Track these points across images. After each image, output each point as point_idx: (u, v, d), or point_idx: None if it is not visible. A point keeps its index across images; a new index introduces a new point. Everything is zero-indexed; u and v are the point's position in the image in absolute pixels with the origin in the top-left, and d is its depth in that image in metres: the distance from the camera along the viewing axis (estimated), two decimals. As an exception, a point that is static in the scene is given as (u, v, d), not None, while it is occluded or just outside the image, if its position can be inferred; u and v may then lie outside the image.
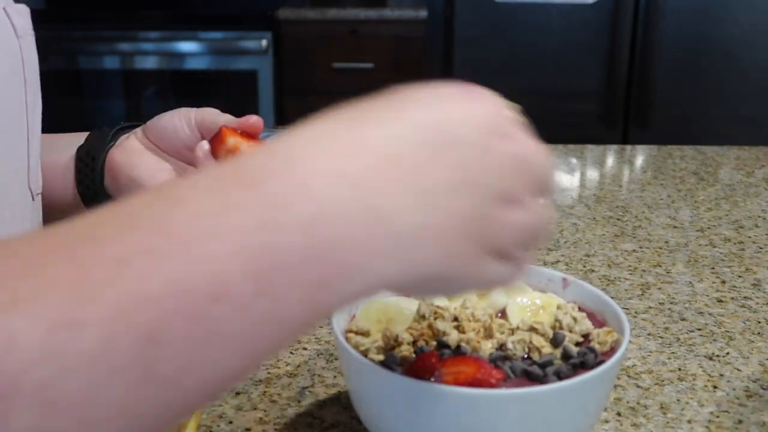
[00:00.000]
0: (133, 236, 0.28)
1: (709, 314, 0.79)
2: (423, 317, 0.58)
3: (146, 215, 0.29)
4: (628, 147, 1.45)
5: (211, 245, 0.28)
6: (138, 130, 0.68)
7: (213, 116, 0.64)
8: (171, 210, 0.29)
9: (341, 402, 0.63)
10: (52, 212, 0.66)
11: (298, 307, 0.30)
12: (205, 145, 0.60)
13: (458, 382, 0.49)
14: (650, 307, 0.80)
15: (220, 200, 0.30)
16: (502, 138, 0.37)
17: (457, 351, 0.54)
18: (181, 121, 0.65)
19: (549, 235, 0.39)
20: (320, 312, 0.31)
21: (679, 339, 0.74)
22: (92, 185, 0.66)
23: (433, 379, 0.49)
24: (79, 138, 0.69)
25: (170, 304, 0.27)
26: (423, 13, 2.60)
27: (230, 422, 0.60)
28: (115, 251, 0.28)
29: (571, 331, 0.57)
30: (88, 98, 2.77)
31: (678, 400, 0.64)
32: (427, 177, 0.33)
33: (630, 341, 0.65)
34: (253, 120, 0.61)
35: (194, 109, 0.66)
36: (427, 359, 0.51)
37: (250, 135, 0.59)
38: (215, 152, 0.57)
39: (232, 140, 0.55)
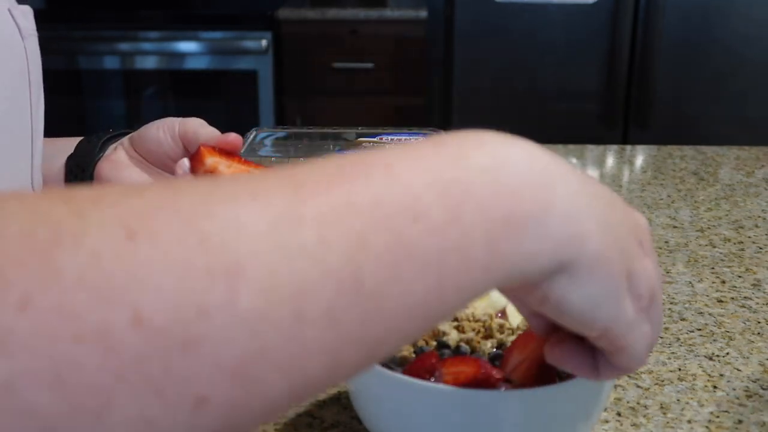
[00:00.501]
0: (340, 164, 0.31)
1: (709, 314, 0.79)
2: (423, 317, 0.58)
3: (350, 158, 0.32)
4: (628, 147, 1.45)
5: (409, 175, 0.31)
6: (126, 141, 0.68)
7: (195, 128, 0.64)
8: (366, 159, 0.32)
9: (341, 402, 0.63)
10: None
11: (483, 246, 0.31)
12: (185, 163, 0.60)
13: (458, 382, 0.49)
14: (650, 307, 0.80)
15: (411, 151, 0.33)
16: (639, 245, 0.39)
17: (457, 351, 0.54)
18: (165, 133, 0.65)
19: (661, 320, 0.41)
20: (501, 263, 0.32)
21: (679, 339, 0.74)
22: None
23: (433, 379, 0.49)
24: (70, 144, 0.69)
25: (377, 216, 0.29)
26: (423, 13, 2.60)
27: (230, 422, 0.60)
28: (325, 172, 0.30)
29: (571, 331, 0.57)
30: (88, 98, 2.77)
31: (678, 400, 0.64)
32: (584, 183, 0.36)
33: (630, 341, 0.65)
34: (231, 138, 0.60)
35: (178, 120, 0.65)
36: (426, 359, 0.51)
37: (229, 153, 0.57)
38: (194, 170, 0.56)
39: (211, 160, 0.55)
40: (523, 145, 0.35)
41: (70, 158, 0.68)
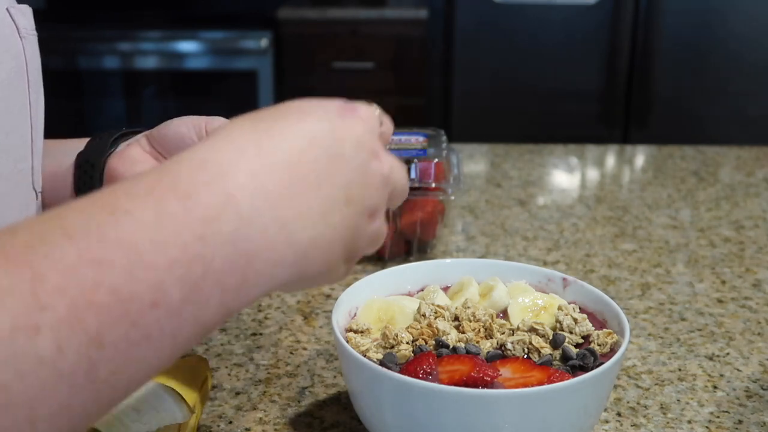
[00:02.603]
0: (79, 246, 0.31)
1: (710, 314, 0.79)
2: (423, 316, 0.58)
3: (89, 224, 0.32)
4: (628, 147, 1.45)
5: (152, 256, 0.32)
6: (142, 138, 0.66)
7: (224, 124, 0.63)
8: (114, 219, 0.32)
9: (341, 402, 0.63)
10: None
11: (215, 311, 0.34)
12: None
13: (453, 381, 0.49)
14: (650, 307, 0.80)
15: (157, 211, 0.33)
16: (375, 157, 0.43)
17: (454, 350, 0.54)
18: (189, 130, 0.63)
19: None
20: (230, 315, 0.36)
21: (679, 339, 0.74)
22: (90, 192, 0.65)
23: (430, 378, 0.49)
24: (80, 144, 0.68)
25: (115, 311, 0.30)
26: (423, 13, 2.60)
27: (230, 422, 0.60)
28: (64, 262, 0.30)
29: (571, 333, 0.57)
30: (88, 98, 2.77)
31: (678, 400, 0.64)
32: (323, 195, 0.39)
33: (630, 341, 0.65)
34: None
35: (204, 119, 0.64)
36: (424, 359, 0.51)
37: None
38: None
39: None
40: (274, 187, 0.37)
41: (80, 155, 0.66)
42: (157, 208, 0.33)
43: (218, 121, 0.63)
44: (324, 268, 0.40)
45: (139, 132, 0.67)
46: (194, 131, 0.63)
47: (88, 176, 0.65)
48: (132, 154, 0.64)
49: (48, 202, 0.63)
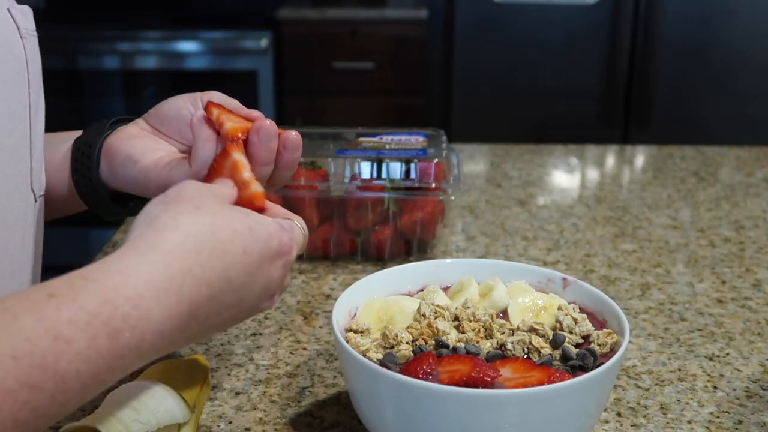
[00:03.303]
0: None
1: (710, 314, 0.79)
2: (423, 316, 0.58)
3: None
4: (628, 147, 1.45)
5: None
6: (139, 120, 0.67)
7: (220, 98, 0.64)
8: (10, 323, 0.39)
9: (341, 402, 0.63)
10: (49, 208, 0.65)
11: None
12: (199, 113, 0.61)
13: (453, 381, 0.49)
14: (650, 308, 0.80)
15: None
16: (268, 300, 0.54)
17: (454, 350, 0.54)
18: (185, 102, 0.65)
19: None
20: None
21: (679, 339, 0.74)
22: (87, 173, 0.65)
23: (430, 378, 0.49)
24: (76, 134, 0.68)
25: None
26: (423, 13, 2.60)
27: (230, 422, 0.60)
28: None
29: (571, 333, 0.57)
30: (88, 98, 2.77)
31: (678, 400, 0.64)
32: (217, 320, 0.50)
33: (630, 341, 0.65)
34: (255, 114, 0.61)
35: (199, 93, 0.66)
36: (424, 359, 0.51)
37: (231, 111, 0.61)
38: (207, 120, 0.60)
39: (216, 112, 0.60)
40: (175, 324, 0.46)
41: (78, 139, 0.67)
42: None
43: (212, 94, 0.64)
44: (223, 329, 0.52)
45: (135, 119, 0.68)
46: (191, 103, 0.64)
47: (86, 156, 0.65)
48: (129, 131, 0.65)
49: (47, 188, 0.63)
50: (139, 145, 0.63)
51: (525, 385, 0.49)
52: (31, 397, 0.38)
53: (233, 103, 0.63)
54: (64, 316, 0.39)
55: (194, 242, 0.46)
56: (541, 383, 0.49)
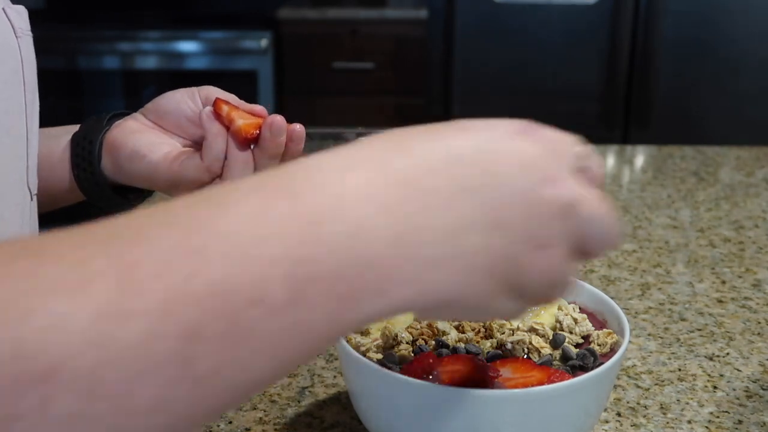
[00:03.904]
0: (179, 235, 0.29)
1: (709, 314, 0.79)
2: (423, 317, 0.58)
3: (192, 216, 0.30)
4: (628, 147, 1.45)
5: (254, 251, 0.29)
6: (136, 114, 0.68)
7: (217, 92, 0.66)
8: (216, 212, 0.30)
9: (341, 402, 0.63)
10: (48, 203, 0.66)
11: (324, 320, 0.31)
12: (208, 109, 0.62)
13: (453, 381, 0.49)
14: (650, 308, 0.80)
15: (263, 208, 0.31)
16: (551, 183, 0.36)
17: (454, 350, 0.54)
18: (183, 96, 0.66)
19: (569, 288, 0.39)
20: (341, 329, 0.32)
21: (679, 339, 0.74)
22: (89, 167, 0.65)
23: (430, 378, 0.49)
24: (73, 129, 0.69)
25: (213, 304, 0.28)
26: (423, 13, 2.60)
27: (230, 422, 0.60)
28: (162, 249, 0.28)
29: (571, 333, 0.57)
30: (88, 98, 2.77)
31: (678, 400, 0.64)
32: (454, 215, 0.34)
33: (630, 341, 0.65)
34: (258, 109, 0.64)
35: (195, 88, 0.67)
36: (424, 359, 0.51)
37: (237, 106, 0.64)
38: (216, 116, 0.62)
39: (226, 108, 0.61)
40: (393, 192, 0.33)
41: (76, 134, 0.67)
42: (263, 204, 0.31)
43: (209, 89, 0.65)
44: (460, 296, 0.35)
45: (131, 114, 0.69)
46: (188, 97, 0.66)
47: (87, 152, 0.65)
48: (130, 125, 0.66)
49: (44, 184, 0.64)
50: (143, 139, 0.64)
51: (525, 385, 0.49)
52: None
53: (232, 98, 0.64)
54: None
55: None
56: (541, 383, 0.49)
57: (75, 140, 0.66)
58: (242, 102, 0.64)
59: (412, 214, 0.33)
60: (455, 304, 0.35)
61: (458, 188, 0.34)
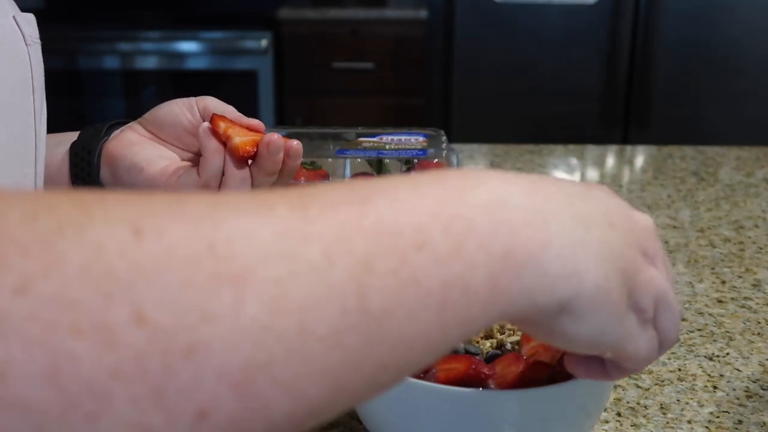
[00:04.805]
0: (347, 188, 0.32)
1: (709, 314, 0.79)
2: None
3: (356, 184, 0.33)
4: (628, 147, 1.45)
5: (413, 205, 0.31)
6: (134, 124, 0.68)
7: (215, 104, 0.66)
8: (372, 186, 0.32)
9: (341, 402, 0.63)
10: None
11: (482, 280, 0.32)
12: (205, 125, 0.62)
13: (449, 379, 0.49)
14: (650, 307, 0.80)
15: (414, 182, 0.33)
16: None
17: (454, 350, 0.54)
18: (181, 108, 0.66)
19: (678, 319, 0.42)
20: (503, 302, 0.33)
21: (679, 339, 0.74)
22: (88, 178, 0.66)
23: (427, 376, 0.49)
24: (70, 137, 0.69)
25: (383, 240, 0.29)
26: (423, 13, 2.60)
27: (230, 422, 0.60)
28: (331, 196, 0.30)
29: (571, 332, 0.57)
30: (88, 98, 2.77)
31: (678, 400, 0.64)
32: (575, 212, 0.36)
33: (630, 341, 0.65)
34: (254, 123, 0.63)
35: (193, 98, 0.67)
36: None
37: (235, 122, 0.63)
38: (212, 133, 0.62)
39: (223, 125, 0.61)
40: (522, 183, 0.36)
41: (74, 144, 0.67)
42: (412, 184, 0.33)
43: (208, 98, 0.65)
44: (604, 285, 0.36)
45: (128, 123, 0.69)
46: (186, 109, 0.66)
47: (86, 162, 0.66)
48: (128, 137, 0.66)
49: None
50: (142, 152, 0.64)
51: (505, 380, 0.49)
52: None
53: (230, 110, 0.65)
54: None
55: None
56: (521, 378, 0.49)
57: (74, 150, 0.67)
58: (240, 116, 0.64)
59: (542, 200, 0.35)
60: (595, 300, 0.36)
61: (569, 197, 0.37)
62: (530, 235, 0.33)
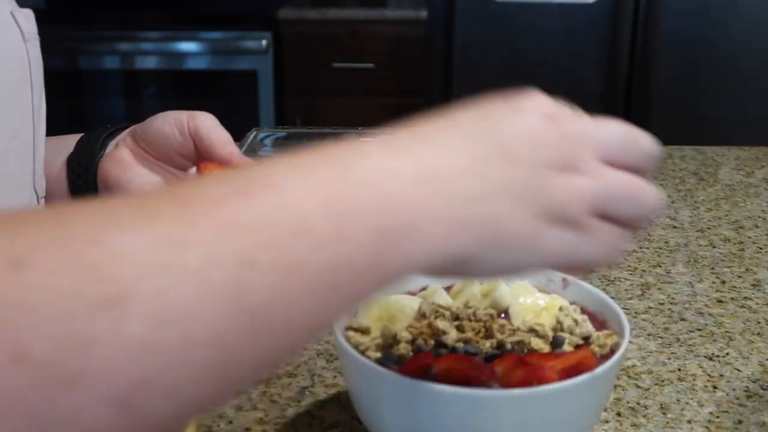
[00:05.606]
0: (228, 181, 0.32)
1: (709, 314, 0.79)
2: (423, 316, 0.58)
3: (239, 174, 0.33)
4: (628, 147, 1.45)
5: (296, 189, 0.32)
6: (127, 138, 0.67)
7: (208, 128, 0.63)
8: (259, 169, 0.33)
9: (341, 402, 0.63)
10: None
11: (367, 257, 0.32)
12: (193, 171, 0.64)
13: (449, 379, 0.49)
14: (650, 308, 0.80)
15: (298, 164, 0.33)
16: (549, 119, 0.39)
17: (453, 350, 0.54)
18: (172, 127, 0.64)
19: (643, 199, 0.41)
20: (385, 272, 0.33)
21: (679, 339, 0.74)
22: (86, 189, 0.67)
23: (426, 377, 0.49)
24: (67, 143, 0.69)
25: (263, 233, 0.30)
26: (423, 13, 2.60)
27: (230, 422, 0.60)
28: (212, 192, 0.31)
29: (571, 334, 0.57)
30: (88, 98, 2.77)
31: (678, 400, 0.64)
32: (467, 154, 0.36)
33: (630, 341, 0.65)
34: (236, 159, 0.62)
35: (186, 114, 0.65)
36: (422, 358, 0.51)
37: (226, 165, 0.63)
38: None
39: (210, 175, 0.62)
40: (413, 145, 0.36)
41: (71, 157, 0.67)
42: (298, 163, 0.33)
43: (202, 117, 0.64)
44: (498, 229, 0.36)
45: (125, 128, 0.69)
46: (176, 129, 0.65)
47: (83, 180, 0.67)
48: (121, 156, 0.66)
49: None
50: (135, 179, 0.65)
51: (509, 382, 0.49)
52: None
53: (223, 137, 0.63)
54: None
55: None
56: (526, 381, 0.49)
57: (70, 163, 0.67)
58: (229, 141, 0.63)
59: (433, 157, 0.36)
60: (494, 242, 0.36)
61: (462, 135, 0.37)
62: (412, 207, 0.34)
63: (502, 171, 0.37)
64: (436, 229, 0.34)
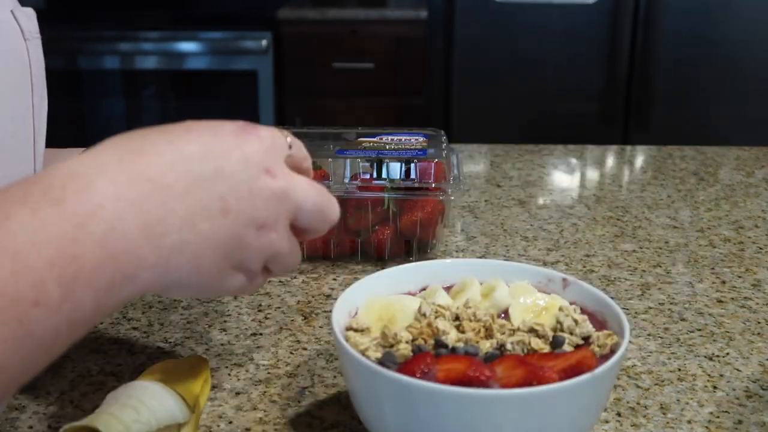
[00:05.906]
0: None
1: (709, 314, 0.79)
2: (424, 316, 0.58)
3: None
4: (628, 147, 1.45)
5: (31, 256, 0.35)
6: None
7: None
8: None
9: (341, 402, 0.63)
10: None
11: (90, 309, 0.37)
12: None
13: (449, 379, 0.49)
14: (650, 308, 0.80)
15: (33, 215, 0.36)
16: (268, 174, 0.45)
17: (453, 350, 0.54)
18: None
19: (293, 263, 0.50)
20: (102, 314, 0.39)
21: (679, 339, 0.74)
22: None
23: (426, 377, 0.49)
24: (71, 152, 0.69)
25: (3, 310, 0.33)
26: (423, 13, 2.60)
27: (230, 422, 0.60)
28: None
29: (571, 334, 0.57)
30: (88, 98, 2.77)
31: (678, 400, 0.64)
32: (189, 204, 0.42)
33: (630, 341, 0.65)
34: None
35: None
36: (422, 358, 0.51)
37: None
38: None
39: None
40: (142, 195, 0.40)
41: None
42: (33, 213, 0.36)
43: None
44: (196, 274, 0.43)
45: None
46: None
47: None
48: None
49: None
50: None
51: (509, 382, 0.49)
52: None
53: None
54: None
55: None
56: (525, 380, 0.49)
57: None
58: None
59: (155, 208, 0.40)
60: (190, 283, 0.43)
61: (192, 182, 0.42)
62: (130, 261, 0.39)
63: (213, 223, 0.42)
64: (149, 277, 0.40)
